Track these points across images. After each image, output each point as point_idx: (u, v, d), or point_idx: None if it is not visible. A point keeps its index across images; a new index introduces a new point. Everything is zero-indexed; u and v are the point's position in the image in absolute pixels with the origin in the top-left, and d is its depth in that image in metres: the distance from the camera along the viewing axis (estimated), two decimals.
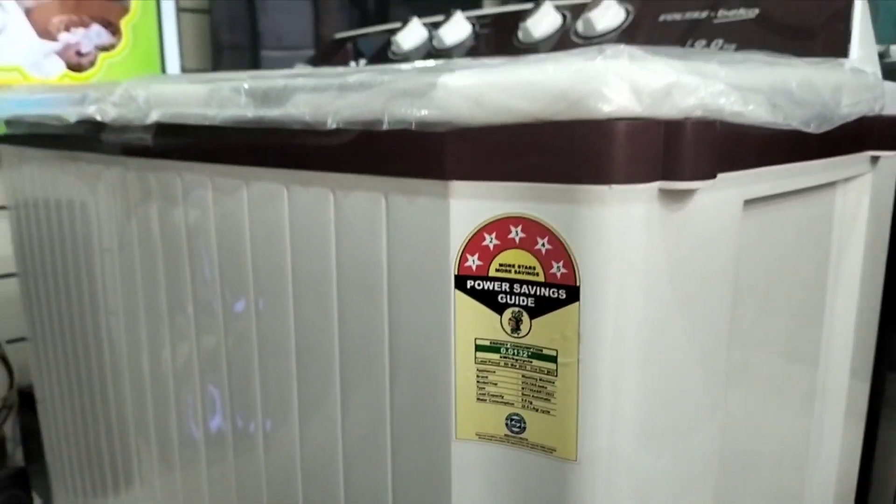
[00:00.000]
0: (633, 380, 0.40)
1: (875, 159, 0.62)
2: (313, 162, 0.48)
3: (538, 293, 0.40)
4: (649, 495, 0.43)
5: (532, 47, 0.82)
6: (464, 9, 0.95)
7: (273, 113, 0.47)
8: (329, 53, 1.11)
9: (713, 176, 0.39)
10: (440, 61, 0.68)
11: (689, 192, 0.39)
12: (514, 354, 0.41)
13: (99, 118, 0.61)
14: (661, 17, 0.74)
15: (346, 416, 0.50)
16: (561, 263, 0.39)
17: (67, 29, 1.25)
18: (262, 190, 0.52)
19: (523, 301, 0.40)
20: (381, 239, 0.45)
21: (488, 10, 0.94)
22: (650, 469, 0.43)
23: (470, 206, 0.40)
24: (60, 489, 1.01)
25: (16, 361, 1.27)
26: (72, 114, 0.64)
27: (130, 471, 0.79)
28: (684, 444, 0.45)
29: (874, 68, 0.63)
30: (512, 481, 0.43)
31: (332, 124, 0.43)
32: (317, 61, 1.11)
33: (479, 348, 0.42)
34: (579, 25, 0.78)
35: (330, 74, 0.46)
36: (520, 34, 0.83)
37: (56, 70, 1.25)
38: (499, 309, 0.41)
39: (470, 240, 0.41)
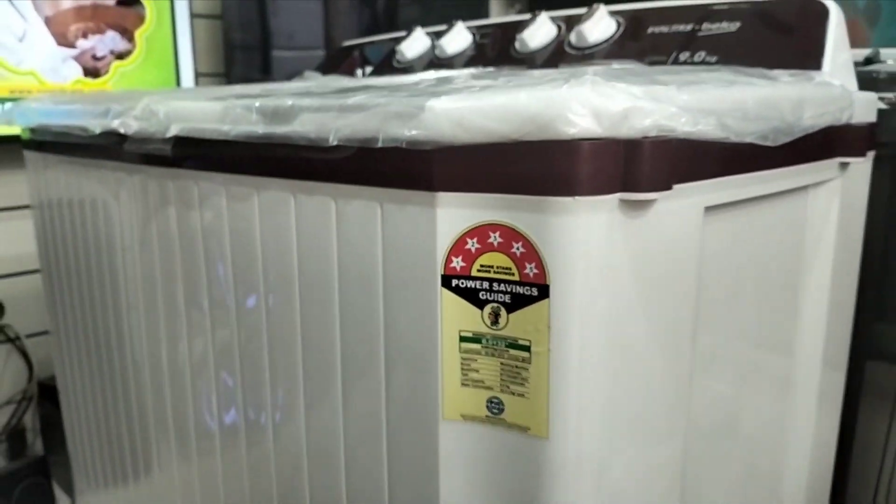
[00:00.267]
0: (598, 366, 0.44)
1: (844, 165, 0.65)
2: (317, 173, 0.51)
3: (514, 290, 0.44)
4: (614, 469, 0.47)
5: (528, 57, 0.85)
6: (470, 17, 0.97)
7: (281, 130, 0.50)
8: (337, 60, 1.13)
9: (669, 187, 0.44)
10: (434, 78, 0.72)
11: (647, 202, 0.44)
12: (493, 344, 0.45)
13: (122, 131, 0.64)
14: (650, 30, 0.77)
15: (347, 402, 0.53)
16: (533, 265, 0.43)
17: (85, 36, 1.26)
18: (272, 198, 0.55)
19: (501, 297, 0.44)
20: (376, 242, 0.48)
21: (488, 20, 0.96)
22: (614, 446, 0.46)
23: (454, 214, 0.44)
24: (81, 477, 1.02)
25: (35, 355, 1.28)
26: (96, 126, 0.67)
27: (149, 459, 0.81)
28: (647, 424, 0.49)
29: (847, 79, 0.66)
30: (492, 457, 0.47)
31: (333, 141, 0.47)
32: (326, 68, 1.13)
33: (462, 339, 0.46)
34: (573, 37, 0.81)
35: (332, 95, 0.50)
36: (517, 45, 0.85)
37: (72, 75, 1.26)
38: (480, 304, 0.45)
39: (454, 244, 0.45)
